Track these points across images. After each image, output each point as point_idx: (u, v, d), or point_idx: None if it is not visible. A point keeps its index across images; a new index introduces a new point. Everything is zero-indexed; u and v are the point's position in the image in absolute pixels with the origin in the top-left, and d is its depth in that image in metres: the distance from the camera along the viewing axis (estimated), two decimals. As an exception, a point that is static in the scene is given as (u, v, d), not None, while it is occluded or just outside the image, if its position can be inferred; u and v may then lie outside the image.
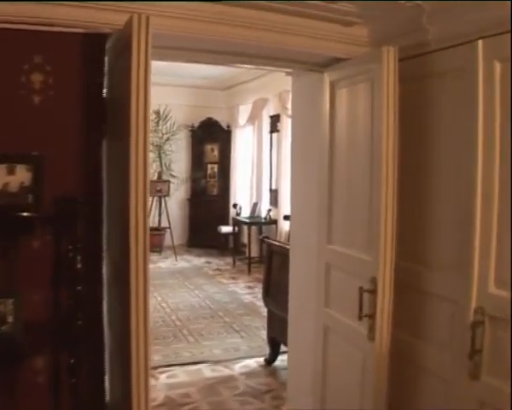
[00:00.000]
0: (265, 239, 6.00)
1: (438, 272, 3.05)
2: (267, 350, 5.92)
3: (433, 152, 3.10)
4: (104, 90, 2.96)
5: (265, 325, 6.15)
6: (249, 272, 10.37)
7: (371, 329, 3.09)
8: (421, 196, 3.17)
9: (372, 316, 3.07)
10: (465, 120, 2.81)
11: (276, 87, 10.43)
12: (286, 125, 10.12)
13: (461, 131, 2.86)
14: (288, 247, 4.95)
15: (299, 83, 4.37)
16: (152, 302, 8.06)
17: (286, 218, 9.91)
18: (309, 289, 4.02)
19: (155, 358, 5.89)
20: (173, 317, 7.49)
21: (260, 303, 7.94)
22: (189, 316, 7.53)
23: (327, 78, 3.65)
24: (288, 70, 4.03)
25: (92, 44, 2.83)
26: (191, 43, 3.19)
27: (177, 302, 8.23)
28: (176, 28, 2.94)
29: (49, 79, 2.71)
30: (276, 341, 5.70)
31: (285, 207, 10.04)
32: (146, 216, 2.50)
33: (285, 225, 10.04)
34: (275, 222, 10.47)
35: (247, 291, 9.05)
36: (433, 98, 3.10)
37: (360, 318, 3.10)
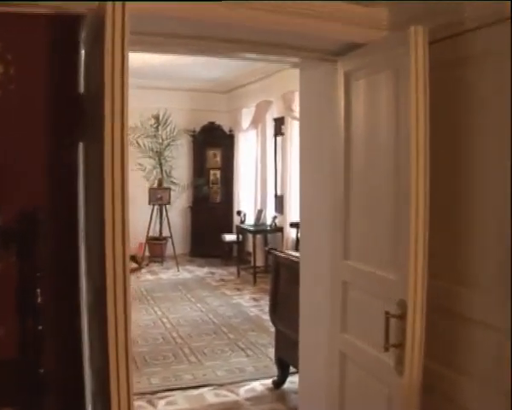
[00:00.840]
0: (271, 251, 5.51)
1: (479, 292, 2.57)
2: (275, 371, 5.44)
3: (470, 151, 2.63)
4: (80, 85, 2.49)
5: (273, 342, 5.67)
6: (254, 282, 9.89)
7: (400, 361, 2.60)
8: (458, 202, 2.69)
9: (401, 346, 2.59)
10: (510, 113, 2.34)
11: (280, 88, 9.99)
12: (291, 127, 9.66)
13: (504, 126, 2.39)
14: (296, 259, 4.48)
15: (307, 76, 3.89)
16: (152, 318, 7.64)
17: (292, 225, 9.44)
18: (322, 308, 3.55)
19: (153, 381, 5.44)
20: (174, 334, 7.01)
21: (267, 317, 7.46)
22: (190, 332, 7.05)
23: (341, 68, 3.18)
24: (295, 60, 3.55)
25: (64, 28, 2.37)
26: (183, 27, 2.73)
27: (179, 317, 7.75)
28: (163, 9, 2.48)
29: (10, 69, 2.25)
30: (285, 362, 5.22)
31: (291, 213, 9.57)
32: (125, 232, 2.03)
33: (291, 233, 9.57)
34: (281, 230, 9.98)
35: (253, 304, 8.57)
36: (468, 87, 2.63)
37: (386, 348, 2.62)
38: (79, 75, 2.50)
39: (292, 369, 5.20)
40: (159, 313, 8.00)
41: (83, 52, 2.55)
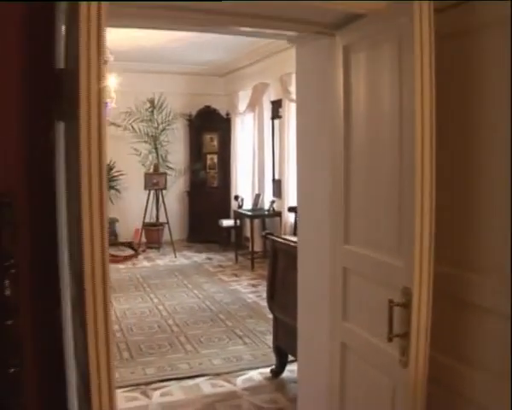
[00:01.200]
0: (269, 236, 5.34)
1: (490, 279, 2.40)
2: (273, 359, 5.30)
3: (480, 126, 2.45)
4: (59, 61, 2.30)
5: (271, 330, 5.52)
6: (252, 267, 9.74)
7: (404, 352, 2.44)
8: (468, 180, 2.52)
9: (405, 336, 2.42)
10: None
11: (276, 71, 9.80)
12: (288, 110, 9.47)
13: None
14: (294, 244, 4.31)
15: (304, 53, 3.69)
16: (148, 305, 7.49)
17: (290, 209, 9.28)
18: (322, 296, 3.38)
19: (148, 371, 5.29)
20: (170, 321, 6.86)
21: (264, 304, 7.30)
22: (187, 320, 6.90)
23: (339, 41, 2.99)
24: (291, 33, 3.35)
25: (40, -1, 2.17)
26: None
27: (175, 304, 7.60)
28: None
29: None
30: (283, 351, 5.07)
31: (289, 198, 9.41)
32: (104, 219, 1.85)
33: (290, 218, 9.41)
34: (279, 214, 9.82)
35: (251, 290, 8.42)
36: (478, 59, 2.45)
37: (390, 339, 2.45)
38: (58, 50, 2.31)
39: (291, 357, 5.05)
40: (155, 300, 7.85)
41: (63, 26, 2.35)
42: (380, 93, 2.68)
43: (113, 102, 8.40)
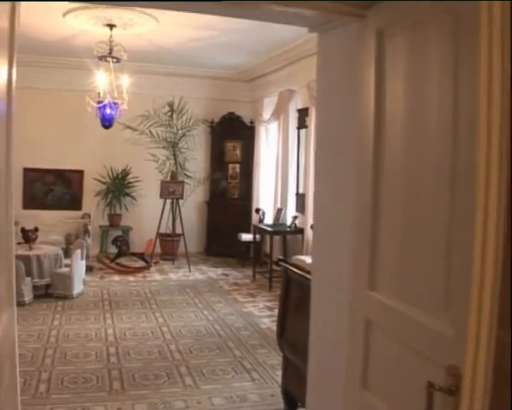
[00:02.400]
0: (281, 263, 4.61)
1: None
2: (282, 402, 4.58)
3: None
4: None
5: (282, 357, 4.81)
6: (270, 287, 9.02)
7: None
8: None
9: (450, 434, 1.70)
10: None
11: (304, 77, 9.11)
12: (315, 119, 8.75)
13: None
14: (309, 275, 3.60)
15: (327, 40, 3.00)
16: (151, 326, 6.86)
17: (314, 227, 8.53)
18: (337, 348, 2.67)
19: (138, 408, 4.61)
20: (172, 346, 6.18)
21: (280, 331, 6.65)
22: (191, 346, 6.20)
23: (371, 24, 2.29)
24: (314, 13, 2.65)
25: None
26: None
27: (181, 326, 6.91)
28: None
29: None
30: (293, 396, 4.35)
31: (312, 213, 8.67)
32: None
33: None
34: (301, 231, 9.10)
35: (266, 313, 7.70)
36: None
37: (428, 435, 1.73)
38: None
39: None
40: (160, 320, 7.18)
41: None
42: (425, 91, 1.97)
43: (124, 104, 7.79)
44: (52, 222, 10.71)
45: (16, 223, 10.44)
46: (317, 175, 3.14)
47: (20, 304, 7.44)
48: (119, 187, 11.10)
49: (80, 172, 11.17)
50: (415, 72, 2.05)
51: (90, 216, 10.77)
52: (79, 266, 8.25)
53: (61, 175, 11.12)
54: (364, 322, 2.29)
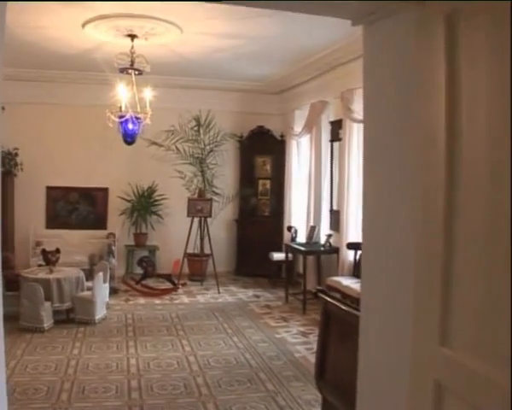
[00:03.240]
0: (320, 294, 4.05)
1: None
2: (321, 449, 4.05)
3: None
4: None
5: (321, 400, 4.26)
6: (304, 310, 8.48)
7: None
8: None
9: None
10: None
11: (337, 87, 8.64)
12: (350, 131, 8.25)
13: None
14: (355, 312, 3.08)
15: (375, 33, 2.50)
16: (178, 355, 6.41)
17: (350, 246, 8.01)
18: (395, 404, 2.14)
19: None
20: (199, 379, 5.68)
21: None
22: (220, 379, 5.69)
23: (437, 8, 1.77)
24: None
25: None
26: None
27: (209, 356, 6.41)
28: None
29: None
30: (335, 446, 3.80)
31: (349, 232, 8.15)
32: None
33: (349, 255, 8.14)
34: (336, 251, 8.55)
35: (300, 340, 7.16)
36: None
37: None
38: None
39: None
40: (187, 348, 6.70)
41: None
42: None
43: (147, 118, 7.36)
44: (76, 242, 10.36)
45: (38, 243, 10.14)
46: (365, 192, 2.62)
47: (40, 331, 7.06)
48: (144, 205, 10.69)
49: (105, 190, 10.81)
50: (499, 65, 1.53)
51: (114, 236, 10.38)
52: (102, 289, 7.82)
53: (85, 193, 10.78)
54: (433, 386, 1.76)
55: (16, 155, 9.99)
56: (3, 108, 10.46)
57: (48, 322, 7.23)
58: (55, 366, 5.92)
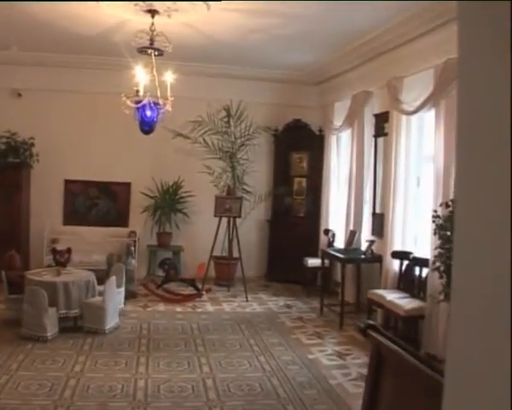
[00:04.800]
0: (370, 332, 3.03)
1: None
2: None
3: None
4: None
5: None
6: (341, 325, 7.52)
7: None
8: None
9: None
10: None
11: (382, 75, 7.68)
12: (397, 125, 7.25)
13: None
14: (417, 363, 2.11)
15: (472, 19, 1.54)
16: (194, 377, 5.56)
17: (395, 255, 7.03)
18: None
19: None
20: (217, 411, 4.79)
21: (355, 390, 5.22)
22: (241, 411, 4.80)
23: None
24: None
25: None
26: None
27: (230, 380, 5.49)
28: None
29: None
30: None
31: (394, 238, 7.17)
32: None
33: (394, 265, 7.14)
34: (379, 259, 7.56)
35: (337, 363, 6.20)
36: None
37: None
38: None
39: None
40: (205, 368, 5.80)
41: None
42: None
43: (167, 105, 6.48)
44: (95, 240, 9.61)
45: (54, 241, 9.37)
46: (461, 195, 1.66)
47: (42, 340, 6.28)
48: (169, 202, 9.85)
49: (127, 185, 10.02)
50: None
51: (136, 234, 9.56)
52: (114, 295, 6.99)
53: (105, 188, 10.01)
54: None
55: (32, 145, 9.29)
56: (20, 95, 9.94)
57: (52, 331, 6.43)
58: (50, 386, 5.09)
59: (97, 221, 9.98)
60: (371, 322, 2.99)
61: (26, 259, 9.45)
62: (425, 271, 6.51)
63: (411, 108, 6.82)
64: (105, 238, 9.63)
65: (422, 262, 6.53)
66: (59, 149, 9.64)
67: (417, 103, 6.66)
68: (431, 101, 6.35)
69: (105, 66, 9.19)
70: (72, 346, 6.26)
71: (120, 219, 10.07)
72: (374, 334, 2.82)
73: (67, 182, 9.87)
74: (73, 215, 9.95)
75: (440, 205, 5.62)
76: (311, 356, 6.36)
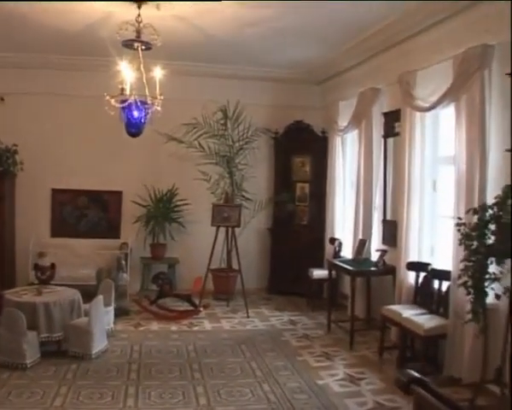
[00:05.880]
0: (415, 388, 2.29)
1: None
2: None
3: None
4: None
5: None
6: (351, 345, 6.85)
7: None
8: None
9: None
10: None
11: (393, 70, 7.09)
12: (411, 124, 6.62)
13: None
14: None
15: None
16: (188, 410, 4.80)
17: (411, 266, 6.39)
18: None
19: None
20: (214, 455, 4.13)
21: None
22: (242, 455, 4.15)
23: None
24: None
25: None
26: None
27: (230, 413, 4.86)
28: None
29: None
30: None
31: (409, 248, 6.52)
32: None
33: (409, 278, 6.49)
34: (392, 271, 6.91)
35: (349, 390, 5.53)
36: None
37: None
38: None
39: None
40: (202, 400, 5.13)
41: None
42: None
43: (156, 103, 5.84)
44: (85, 253, 9.04)
45: (41, 254, 8.68)
46: None
47: (21, 368, 5.63)
48: (163, 211, 9.21)
49: (118, 194, 9.41)
50: None
51: (127, 246, 8.91)
52: (101, 315, 6.34)
53: (95, 197, 9.41)
54: None
55: (16, 152, 8.66)
56: (3, 99, 9.27)
57: (32, 357, 5.77)
58: (24, 427, 4.44)
59: (87, 232, 9.37)
60: (415, 374, 2.32)
61: (11, 275, 8.82)
62: (445, 284, 5.87)
63: (427, 104, 6.17)
64: (95, 251, 9.04)
65: (443, 275, 5.88)
66: (45, 157, 9.04)
67: (434, 99, 6.01)
68: (450, 95, 5.71)
69: (92, 67, 8.56)
70: (55, 374, 5.60)
71: (111, 229, 9.44)
72: (416, 388, 2.16)
73: (55, 191, 9.24)
74: (61, 226, 9.32)
75: (467, 211, 4.95)
76: (320, 382, 5.69)
